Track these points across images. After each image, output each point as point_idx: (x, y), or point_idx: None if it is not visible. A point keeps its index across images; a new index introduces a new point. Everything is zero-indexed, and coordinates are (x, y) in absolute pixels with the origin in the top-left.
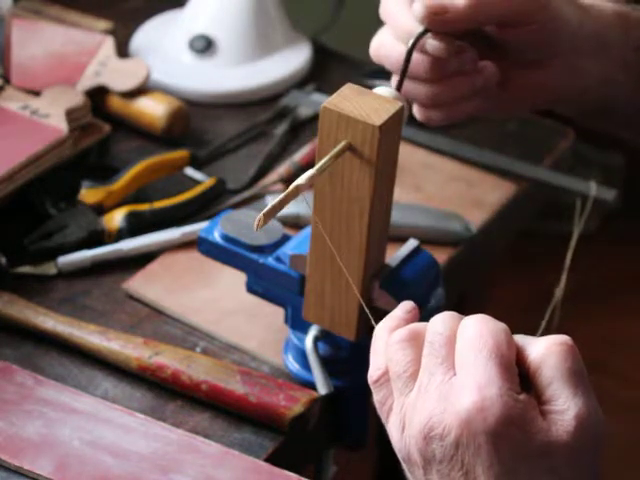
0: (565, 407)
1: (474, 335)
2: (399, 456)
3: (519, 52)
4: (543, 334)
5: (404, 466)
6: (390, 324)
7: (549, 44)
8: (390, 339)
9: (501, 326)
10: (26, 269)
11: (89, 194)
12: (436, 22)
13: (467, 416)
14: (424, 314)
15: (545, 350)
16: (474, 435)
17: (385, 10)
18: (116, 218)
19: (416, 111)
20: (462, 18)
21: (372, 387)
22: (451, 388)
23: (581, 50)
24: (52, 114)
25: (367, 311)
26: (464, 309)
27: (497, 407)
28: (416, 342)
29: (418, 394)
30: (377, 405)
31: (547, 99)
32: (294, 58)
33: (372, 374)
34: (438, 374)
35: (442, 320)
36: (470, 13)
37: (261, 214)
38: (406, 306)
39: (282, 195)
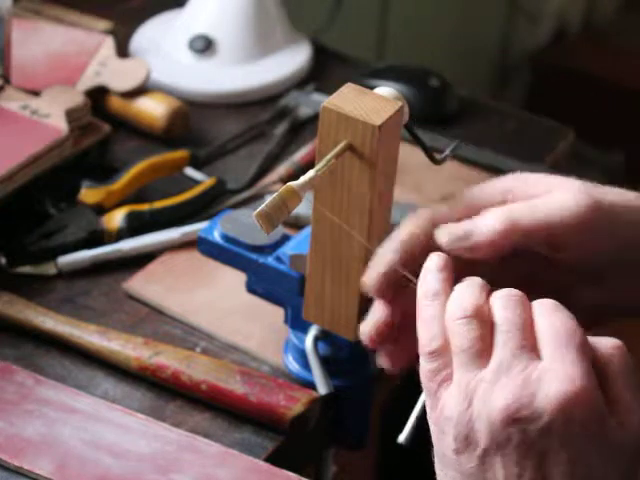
0: (631, 408)
1: (563, 326)
2: (448, 431)
3: (584, 268)
4: None
5: (442, 443)
6: (436, 287)
7: (613, 255)
8: (452, 312)
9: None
10: (26, 269)
11: (89, 194)
12: (460, 250)
13: (564, 404)
14: None
15: (611, 350)
16: (567, 425)
17: None
18: (116, 218)
19: None
20: (488, 246)
21: (425, 357)
22: (541, 374)
23: None
24: (52, 114)
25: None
26: None
27: (591, 401)
28: (481, 318)
29: (498, 373)
30: (427, 374)
31: (626, 311)
32: (294, 58)
33: (427, 344)
34: (523, 358)
35: (517, 302)
36: (498, 240)
37: (256, 214)
38: (439, 262)
39: (276, 194)
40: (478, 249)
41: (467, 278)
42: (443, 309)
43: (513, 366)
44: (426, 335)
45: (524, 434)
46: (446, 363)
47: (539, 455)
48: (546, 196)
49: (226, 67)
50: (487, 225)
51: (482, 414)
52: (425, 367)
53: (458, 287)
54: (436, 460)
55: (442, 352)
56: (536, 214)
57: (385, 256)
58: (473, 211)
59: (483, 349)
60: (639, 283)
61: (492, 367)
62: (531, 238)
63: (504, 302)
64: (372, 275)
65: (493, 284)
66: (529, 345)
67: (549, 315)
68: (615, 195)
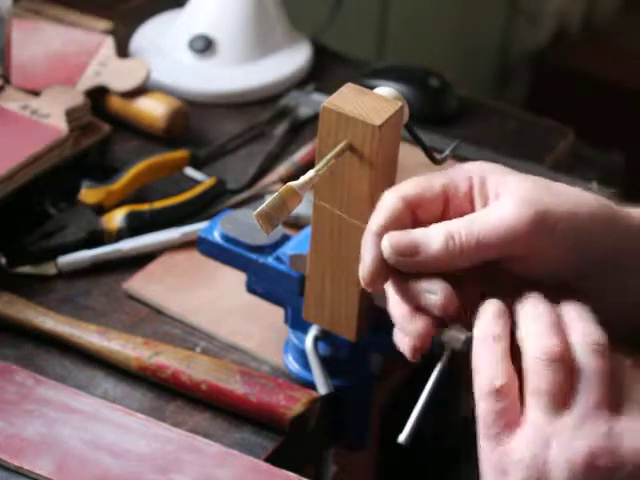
0: None
1: None
2: (515, 474)
3: (537, 277)
4: None
5: None
6: (497, 330)
7: (574, 268)
8: (535, 351)
9: None
10: (26, 269)
11: (89, 194)
12: (405, 264)
13: None
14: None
15: None
16: None
17: None
18: (116, 218)
19: None
20: (438, 263)
21: (490, 396)
22: (626, 427)
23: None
24: (52, 114)
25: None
26: None
27: None
28: (564, 364)
29: (582, 420)
30: (491, 415)
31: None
32: (294, 58)
33: (494, 382)
34: (606, 409)
35: (601, 352)
36: (447, 257)
37: (256, 214)
38: (497, 308)
39: (276, 194)
40: (422, 266)
41: (540, 313)
42: (505, 352)
43: (598, 415)
44: (490, 374)
45: None
46: (511, 404)
47: None
48: (489, 207)
49: (226, 67)
50: (432, 243)
51: (561, 458)
52: (489, 408)
53: (536, 325)
54: None
55: (507, 392)
56: (473, 229)
57: (367, 254)
58: (433, 205)
59: (565, 393)
60: (617, 298)
61: (576, 413)
62: (478, 256)
63: (589, 351)
64: (365, 273)
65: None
66: (612, 399)
67: (630, 373)
68: (571, 201)
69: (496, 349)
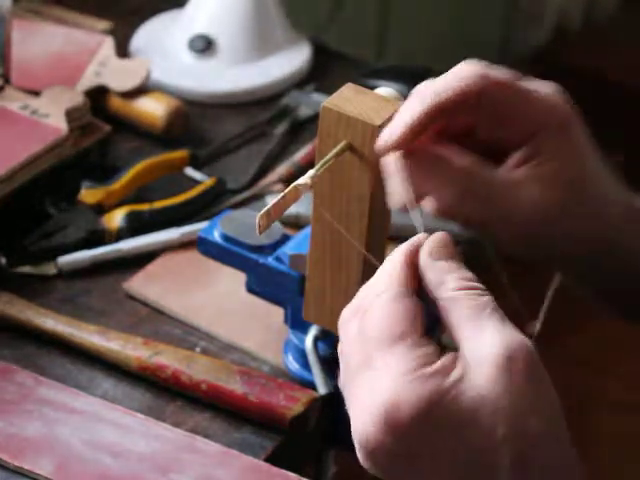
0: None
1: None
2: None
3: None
4: (540, 331)
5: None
6: None
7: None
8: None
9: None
10: (26, 269)
11: (89, 194)
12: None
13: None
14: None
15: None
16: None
17: None
18: (116, 218)
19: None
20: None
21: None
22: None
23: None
24: (52, 114)
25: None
26: None
27: None
28: None
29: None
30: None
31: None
32: (294, 58)
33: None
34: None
35: None
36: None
37: (260, 215)
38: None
39: (280, 196)
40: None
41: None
42: None
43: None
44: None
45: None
46: None
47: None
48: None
49: (226, 67)
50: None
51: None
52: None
53: None
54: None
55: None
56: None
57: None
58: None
59: None
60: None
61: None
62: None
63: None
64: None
65: None
66: None
67: None
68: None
69: None
